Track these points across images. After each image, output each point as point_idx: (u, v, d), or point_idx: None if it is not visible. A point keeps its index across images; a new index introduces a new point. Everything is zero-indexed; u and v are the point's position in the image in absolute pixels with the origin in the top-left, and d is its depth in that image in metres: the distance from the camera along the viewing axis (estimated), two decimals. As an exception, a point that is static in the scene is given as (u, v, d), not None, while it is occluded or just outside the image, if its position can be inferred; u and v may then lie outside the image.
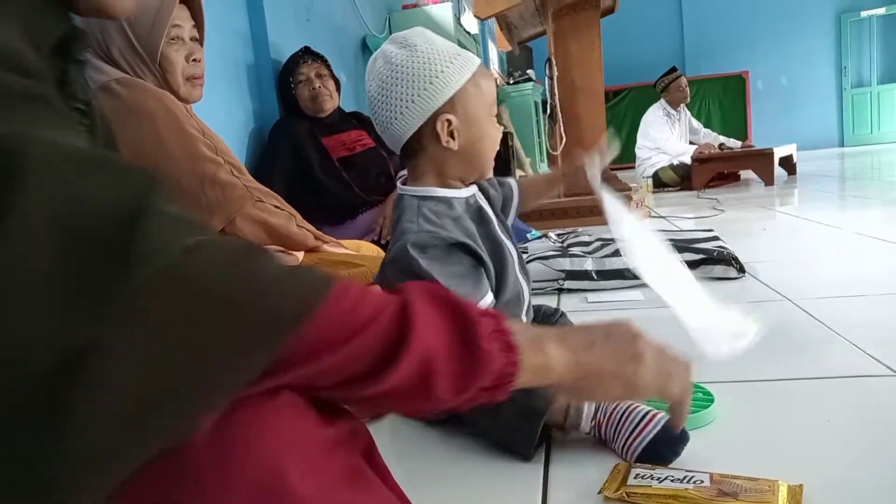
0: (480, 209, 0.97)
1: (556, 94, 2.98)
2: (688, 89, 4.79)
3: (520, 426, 0.78)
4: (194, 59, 1.38)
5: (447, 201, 0.93)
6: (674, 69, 4.87)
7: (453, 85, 0.88)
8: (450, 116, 0.89)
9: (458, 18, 4.44)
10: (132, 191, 0.32)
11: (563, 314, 1.09)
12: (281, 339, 0.35)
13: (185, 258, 0.32)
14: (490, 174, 0.99)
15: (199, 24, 1.41)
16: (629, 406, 0.77)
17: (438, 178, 0.94)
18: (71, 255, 0.29)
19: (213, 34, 1.91)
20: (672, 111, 4.79)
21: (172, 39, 1.33)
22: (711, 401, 0.86)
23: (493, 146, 0.95)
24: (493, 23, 4.89)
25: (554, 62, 2.99)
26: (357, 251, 1.66)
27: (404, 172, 0.98)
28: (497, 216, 1.00)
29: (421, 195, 0.92)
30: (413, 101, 0.87)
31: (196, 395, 0.33)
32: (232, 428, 0.36)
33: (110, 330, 0.29)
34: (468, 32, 4.57)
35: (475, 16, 3.07)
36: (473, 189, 0.98)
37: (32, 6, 0.39)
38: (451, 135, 0.90)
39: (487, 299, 0.91)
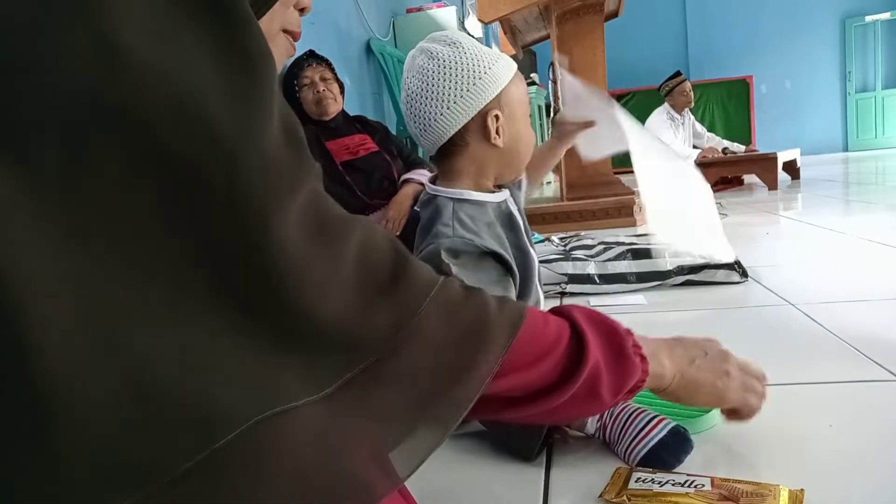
0: (511, 216, 0.97)
1: (560, 97, 2.99)
2: (692, 93, 4.79)
3: (524, 427, 0.78)
4: None
5: (482, 205, 0.92)
6: (678, 73, 4.88)
7: (501, 81, 0.89)
8: (498, 112, 0.89)
9: (463, 22, 4.46)
10: (395, 243, 0.41)
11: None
12: (500, 354, 0.43)
13: (441, 293, 0.41)
14: (522, 175, 1.00)
15: None
16: (636, 409, 0.77)
17: (476, 178, 0.93)
18: (373, 282, 0.37)
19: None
20: (676, 115, 4.79)
21: None
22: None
23: (529, 146, 0.96)
24: (497, 27, 4.89)
25: (557, 66, 2.99)
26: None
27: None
28: (524, 223, 1.00)
29: (456, 197, 0.91)
30: (462, 97, 0.87)
31: (459, 395, 0.41)
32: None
33: (406, 334, 0.38)
34: (472, 36, 4.58)
35: (479, 19, 3.08)
36: (506, 194, 0.97)
37: None
38: (497, 131, 0.90)
39: None
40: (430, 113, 0.88)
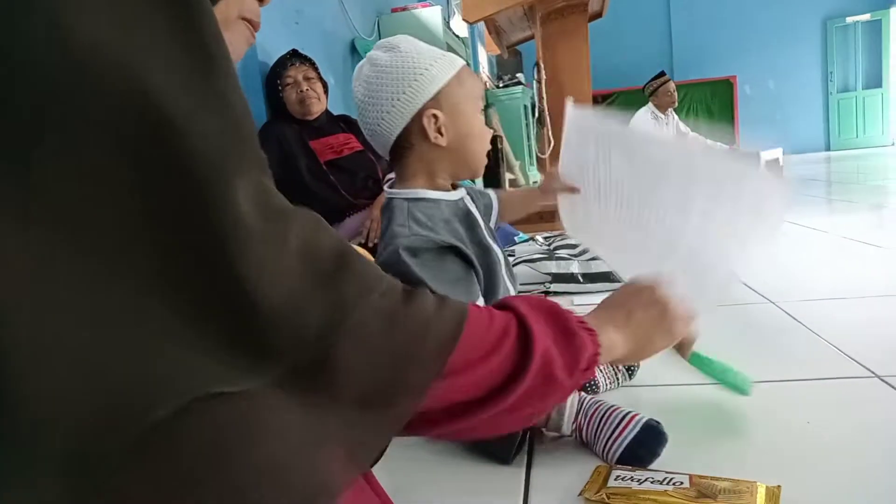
0: (469, 213, 0.97)
1: (545, 97, 3.00)
2: (676, 94, 4.83)
3: None
4: None
5: (436, 202, 0.93)
6: (662, 73, 4.91)
7: (438, 81, 0.89)
8: (436, 111, 0.89)
9: (448, 22, 4.46)
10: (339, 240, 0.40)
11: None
12: (445, 357, 0.42)
13: (381, 295, 0.39)
14: (481, 172, 0.99)
15: None
16: (609, 408, 0.77)
17: (428, 178, 0.94)
18: (315, 273, 0.36)
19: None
20: (660, 115, 4.82)
21: None
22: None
23: (482, 142, 0.96)
24: (482, 26, 4.90)
25: (542, 66, 3.00)
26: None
27: (392, 176, 0.98)
28: (484, 220, 1.00)
29: (410, 197, 0.92)
30: (398, 99, 0.88)
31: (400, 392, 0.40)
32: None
33: (342, 333, 0.36)
34: (457, 36, 4.58)
35: (464, 20, 3.08)
36: (462, 192, 0.98)
37: None
38: (438, 130, 0.90)
39: (479, 304, 0.90)
40: (373, 118, 0.90)
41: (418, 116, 0.89)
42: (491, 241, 0.98)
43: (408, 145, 0.92)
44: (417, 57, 0.89)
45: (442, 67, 0.90)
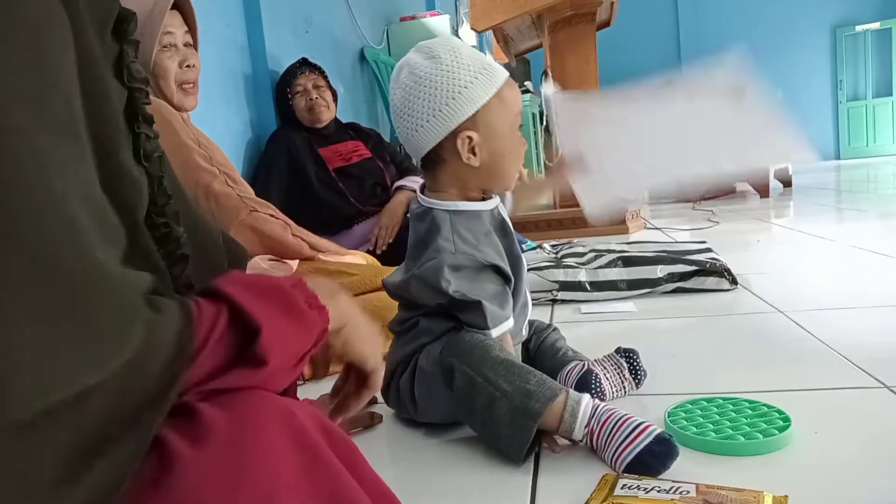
0: (503, 221, 0.98)
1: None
2: None
3: (514, 429, 0.79)
4: (188, 65, 1.37)
5: (477, 215, 0.93)
6: None
7: (477, 101, 0.88)
8: (471, 133, 0.89)
9: (456, 31, 4.48)
10: None
11: (555, 328, 1.10)
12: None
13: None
14: (511, 187, 0.99)
15: (191, 29, 1.42)
16: (623, 416, 0.77)
17: (461, 191, 0.94)
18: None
19: (212, 44, 1.93)
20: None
21: (165, 47, 1.33)
22: (788, 423, 0.81)
23: (515, 161, 0.96)
24: (490, 35, 4.92)
25: (550, 75, 3.01)
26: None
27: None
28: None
29: (451, 209, 0.92)
30: (434, 116, 0.88)
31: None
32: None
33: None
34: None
35: (472, 28, 3.09)
36: (497, 200, 0.98)
37: None
38: (471, 151, 0.90)
39: (508, 324, 0.92)
40: (407, 127, 0.91)
41: (452, 136, 0.89)
42: (520, 251, 0.99)
43: (439, 160, 0.92)
44: (458, 71, 0.87)
45: (482, 85, 0.88)
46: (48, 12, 0.36)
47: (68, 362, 0.32)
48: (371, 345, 0.61)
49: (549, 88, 1.01)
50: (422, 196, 0.96)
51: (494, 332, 0.89)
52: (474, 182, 0.94)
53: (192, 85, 1.40)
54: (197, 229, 0.56)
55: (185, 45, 1.38)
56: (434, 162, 0.93)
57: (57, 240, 0.33)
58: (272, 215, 1.43)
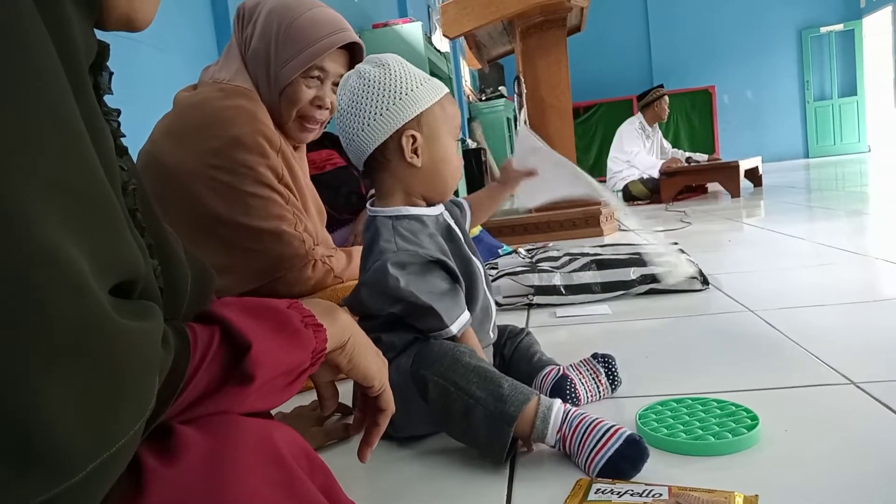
0: (449, 227, 1.00)
1: (526, 110, 3.03)
2: (667, 109, 4.89)
3: (491, 434, 0.79)
4: (319, 105, 1.27)
5: (419, 219, 0.95)
6: (661, 86, 4.96)
7: (422, 103, 0.92)
8: (415, 133, 0.93)
9: (429, 38, 4.49)
10: None
11: (528, 333, 1.10)
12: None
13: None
14: (448, 198, 1.03)
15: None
16: (594, 420, 0.78)
17: (406, 196, 0.96)
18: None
19: (183, 45, 1.90)
20: (648, 127, 4.87)
21: (311, 77, 1.25)
22: (756, 421, 0.82)
23: (454, 170, 0.99)
24: (463, 41, 4.95)
25: (523, 80, 3.03)
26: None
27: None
28: (463, 234, 1.02)
29: (393, 215, 0.94)
30: (381, 114, 0.91)
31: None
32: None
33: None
34: (439, 51, 4.61)
35: (444, 35, 3.10)
36: (441, 208, 1.01)
37: (80, 22, 0.41)
38: (414, 151, 0.93)
39: (465, 316, 0.92)
40: (353, 128, 0.93)
41: (397, 134, 0.92)
42: (471, 254, 1.00)
43: (383, 160, 0.94)
44: (405, 76, 0.92)
45: (427, 91, 0.93)
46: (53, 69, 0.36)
47: (113, 422, 0.34)
48: (374, 362, 0.63)
49: (522, 118, 1.36)
50: (369, 207, 0.98)
51: (455, 328, 0.90)
52: (416, 185, 0.96)
53: (317, 125, 1.31)
54: (163, 244, 0.56)
55: (333, 83, 1.28)
56: (378, 163, 0.95)
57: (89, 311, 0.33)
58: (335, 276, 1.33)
